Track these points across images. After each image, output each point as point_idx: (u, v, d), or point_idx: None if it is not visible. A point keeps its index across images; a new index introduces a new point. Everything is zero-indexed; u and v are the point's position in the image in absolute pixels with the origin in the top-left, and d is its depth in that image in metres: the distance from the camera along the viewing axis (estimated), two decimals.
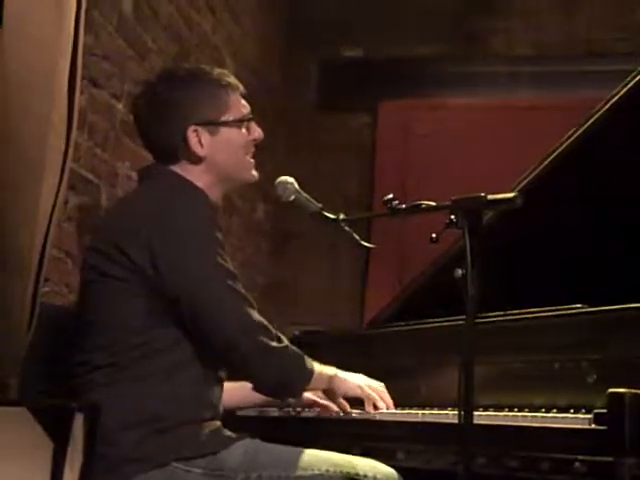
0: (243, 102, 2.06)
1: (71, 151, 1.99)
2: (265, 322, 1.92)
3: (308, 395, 2.19)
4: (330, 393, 2.14)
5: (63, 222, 2.73)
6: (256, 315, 1.91)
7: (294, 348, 1.98)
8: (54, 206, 1.94)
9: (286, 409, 2.32)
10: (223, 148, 2.00)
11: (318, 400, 2.21)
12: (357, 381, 2.11)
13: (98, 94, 2.96)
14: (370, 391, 2.10)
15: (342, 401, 2.15)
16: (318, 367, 2.03)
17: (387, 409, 2.10)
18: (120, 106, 3.12)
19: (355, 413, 2.13)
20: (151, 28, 3.34)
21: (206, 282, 1.87)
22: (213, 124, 1.98)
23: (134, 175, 3.18)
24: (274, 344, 1.90)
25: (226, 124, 2.00)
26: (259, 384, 2.00)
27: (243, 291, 1.92)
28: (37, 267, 1.92)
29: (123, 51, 3.13)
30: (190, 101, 1.98)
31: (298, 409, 2.30)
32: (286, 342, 1.96)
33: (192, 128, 1.96)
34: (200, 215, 1.91)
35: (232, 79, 2.05)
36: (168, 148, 1.98)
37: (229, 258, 1.94)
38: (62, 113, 1.94)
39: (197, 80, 2.01)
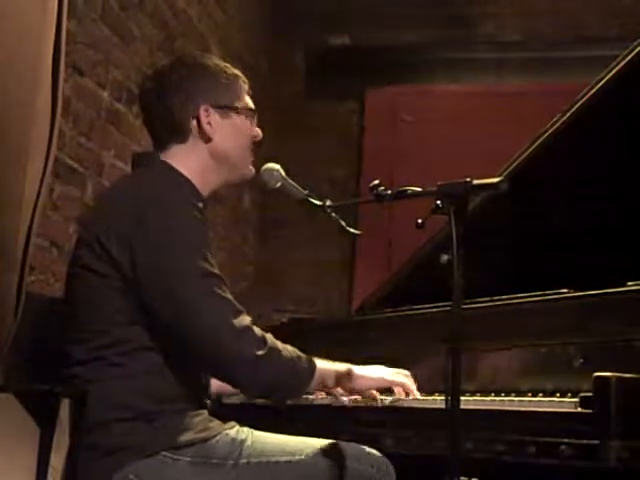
0: (249, 99, 2.11)
1: (55, 138, 1.97)
2: (250, 326, 1.83)
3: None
4: (351, 392, 2.07)
5: (48, 211, 2.72)
6: (239, 319, 1.82)
7: (285, 350, 1.88)
8: (38, 194, 1.92)
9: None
10: (230, 133, 2.03)
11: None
12: (379, 374, 2.05)
13: (83, 82, 2.94)
14: (397, 377, 2.06)
15: (370, 392, 2.08)
16: (325, 366, 1.96)
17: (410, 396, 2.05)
18: (105, 94, 3.10)
19: (387, 400, 2.07)
20: (136, 15, 3.32)
21: (183, 284, 1.81)
22: (226, 108, 2.02)
23: (119, 164, 3.17)
24: (257, 352, 1.81)
25: (237, 111, 2.04)
26: (242, 392, 1.99)
27: (226, 294, 1.84)
28: (22, 256, 1.91)
29: (108, 39, 3.11)
30: (206, 83, 2.02)
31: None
32: (273, 345, 1.85)
33: (204, 107, 2.00)
34: (184, 214, 1.87)
35: (243, 77, 2.10)
36: (178, 124, 2.00)
37: (215, 260, 1.87)
38: (46, 99, 1.92)
39: (214, 67, 2.06)
